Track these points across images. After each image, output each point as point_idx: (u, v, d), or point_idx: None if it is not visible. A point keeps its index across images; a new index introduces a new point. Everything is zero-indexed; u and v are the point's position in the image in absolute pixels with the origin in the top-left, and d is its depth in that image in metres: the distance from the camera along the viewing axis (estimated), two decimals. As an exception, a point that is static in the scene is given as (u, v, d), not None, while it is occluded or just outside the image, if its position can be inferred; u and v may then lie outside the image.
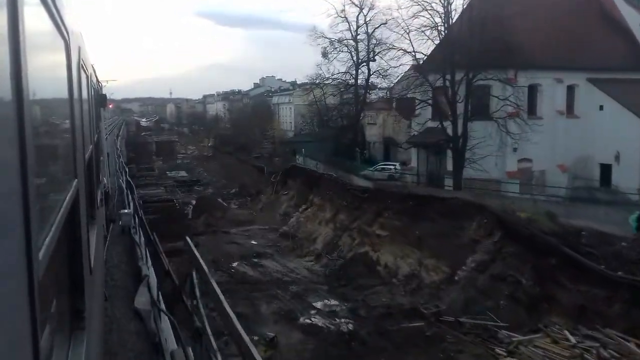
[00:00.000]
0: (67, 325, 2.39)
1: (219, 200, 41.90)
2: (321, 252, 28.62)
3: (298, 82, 79.83)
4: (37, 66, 1.46)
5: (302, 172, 40.45)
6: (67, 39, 2.38)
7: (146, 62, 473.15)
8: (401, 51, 38.51)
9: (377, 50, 43.38)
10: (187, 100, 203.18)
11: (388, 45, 41.14)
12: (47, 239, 1.54)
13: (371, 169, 41.33)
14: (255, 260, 27.30)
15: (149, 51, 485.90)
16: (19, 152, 1.16)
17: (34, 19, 1.48)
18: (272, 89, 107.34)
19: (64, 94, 2.43)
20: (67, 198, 2.17)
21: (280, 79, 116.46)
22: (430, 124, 36.54)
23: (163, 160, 75.03)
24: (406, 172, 40.18)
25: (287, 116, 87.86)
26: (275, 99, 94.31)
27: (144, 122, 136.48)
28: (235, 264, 26.50)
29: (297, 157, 50.83)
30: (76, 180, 2.55)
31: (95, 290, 3.89)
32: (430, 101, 36.60)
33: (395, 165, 42.25)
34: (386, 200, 28.49)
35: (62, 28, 2.17)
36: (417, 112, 39.81)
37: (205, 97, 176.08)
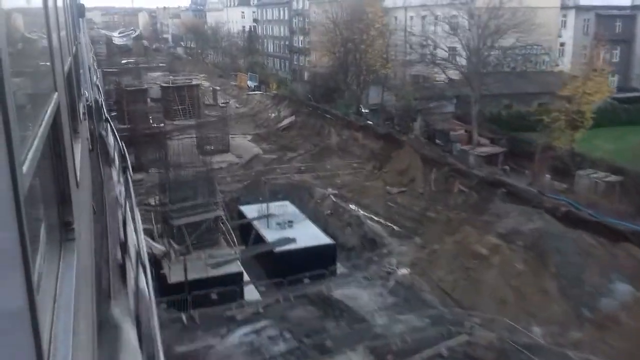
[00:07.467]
0: (57, 237, 2.32)
1: None
2: None
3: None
4: None
5: None
6: None
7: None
8: None
9: None
10: (164, 8, 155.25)
11: None
12: (30, 153, 1.50)
13: None
14: None
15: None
16: None
17: None
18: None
19: (39, 2, 2.25)
20: (48, 111, 2.08)
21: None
22: None
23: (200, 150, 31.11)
24: None
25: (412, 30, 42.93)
26: None
27: (117, 38, 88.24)
28: None
29: None
30: (56, 93, 2.43)
31: (83, 203, 3.66)
32: None
33: None
34: None
35: None
36: None
37: (196, 3, 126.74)
